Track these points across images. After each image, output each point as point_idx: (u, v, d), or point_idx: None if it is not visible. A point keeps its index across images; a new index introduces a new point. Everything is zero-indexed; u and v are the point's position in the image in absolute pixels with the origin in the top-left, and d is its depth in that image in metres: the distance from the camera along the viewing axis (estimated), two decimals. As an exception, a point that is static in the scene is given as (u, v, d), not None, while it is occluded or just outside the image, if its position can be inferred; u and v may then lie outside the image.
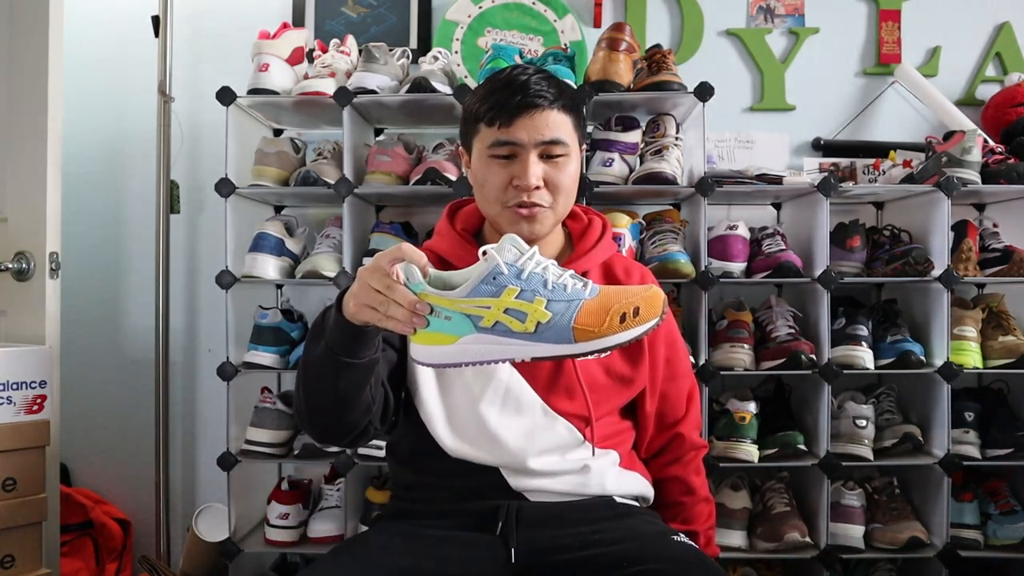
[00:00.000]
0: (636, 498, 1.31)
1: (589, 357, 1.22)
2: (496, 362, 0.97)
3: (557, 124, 1.20)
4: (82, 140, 2.29)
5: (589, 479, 1.23)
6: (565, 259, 1.28)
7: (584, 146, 1.35)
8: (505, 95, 1.19)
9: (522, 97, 1.18)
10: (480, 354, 0.96)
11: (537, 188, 1.19)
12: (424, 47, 2.21)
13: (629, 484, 1.29)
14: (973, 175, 1.87)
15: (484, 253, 0.96)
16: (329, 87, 1.89)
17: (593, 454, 1.23)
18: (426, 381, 1.22)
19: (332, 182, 1.88)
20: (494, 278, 0.94)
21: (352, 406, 1.09)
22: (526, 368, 1.22)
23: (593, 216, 1.36)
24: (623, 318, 0.94)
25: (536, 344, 0.94)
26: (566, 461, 1.22)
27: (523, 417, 1.21)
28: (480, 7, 2.23)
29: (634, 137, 1.91)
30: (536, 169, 1.19)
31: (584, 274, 1.18)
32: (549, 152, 1.20)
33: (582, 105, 1.48)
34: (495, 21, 2.23)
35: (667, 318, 1.35)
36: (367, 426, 1.14)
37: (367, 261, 1.24)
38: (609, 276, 1.32)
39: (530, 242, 1.05)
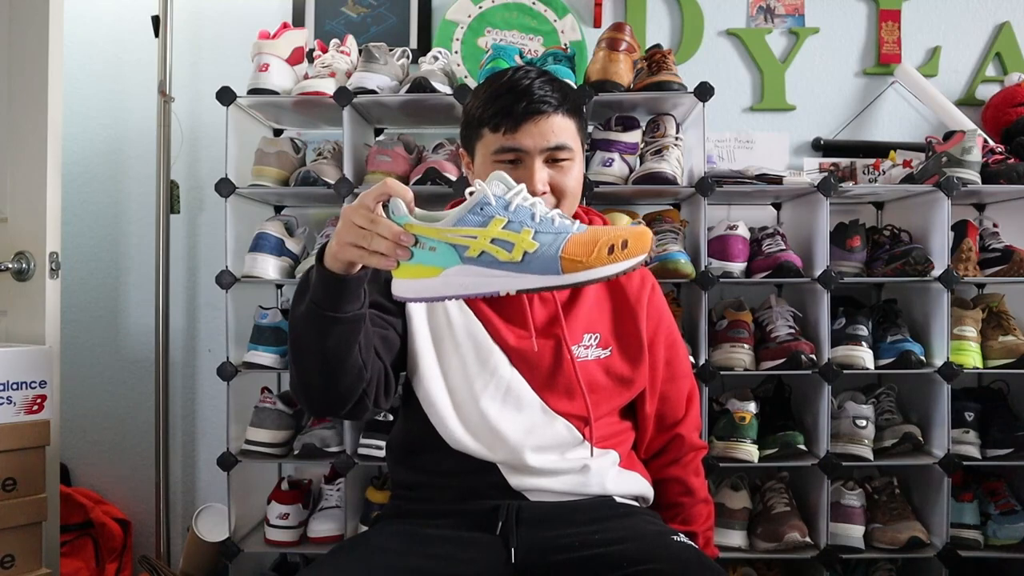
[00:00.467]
0: (636, 498, 1.31)
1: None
2: (480, 295, 0.95)
3: (562, 129, 1.20)
4: (82, 140, 2.29)
5: (589, 479, 1.23)
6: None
7: (584, 147, 1.35)
8: (509, 100, 1.18)
9: (527, 103, 1.18)
10: (464, 286, 0.93)
11: (543, 194, 1.19)
12: (424, 47, 2.21)
13: (629, 484, 1.29)
14: (973, 175, 1.87)
15: (471, 193, 0.94)
16: (329, 87, 1.89)
17: (592, 454, 1.23)
18: (428, 367, 1.21)
19: (332, 182, 1.88)
20: (481, 208, 0.93)
21: (343, 368, 1.07)
22: (526, 367, 1.22)
23: (594, 217, 1.36)
24: (611, 250, 0.91)
25: (522, 275, 0.92)
26: (566, 460, 1.22)
27: (523, 415, 1.21)
28: (480, 7, 2.23)
29: (634, 137, 1.91)
30: (542, 175, 1.19)
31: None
32: (554, 157, 1.20)
33: (583, 107, 1.48)
34: (495, 21, 2.23)
35: (668, 318, 1.36)
36: (362, 397, 1.12)
37: None
38: (609, 276, 1.32)
39: None
